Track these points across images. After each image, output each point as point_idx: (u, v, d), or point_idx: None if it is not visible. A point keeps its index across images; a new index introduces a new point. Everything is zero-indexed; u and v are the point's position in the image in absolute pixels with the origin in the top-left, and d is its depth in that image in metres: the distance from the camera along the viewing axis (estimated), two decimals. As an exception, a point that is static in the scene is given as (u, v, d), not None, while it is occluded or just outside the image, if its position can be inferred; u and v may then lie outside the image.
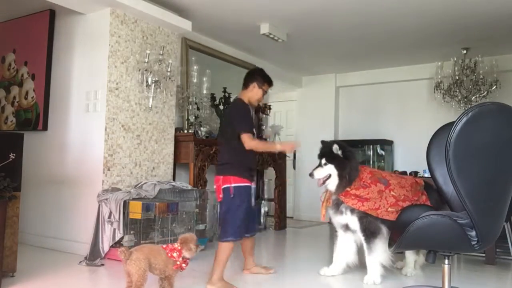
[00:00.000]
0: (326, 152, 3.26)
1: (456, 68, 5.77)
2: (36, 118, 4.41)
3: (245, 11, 4.63)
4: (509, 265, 4.02)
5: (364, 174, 3.23)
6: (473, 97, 5.68)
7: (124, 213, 3.57)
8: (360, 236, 3.22)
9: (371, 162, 6.86)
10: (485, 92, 5.65)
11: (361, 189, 3.16)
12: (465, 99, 5.72)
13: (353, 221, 3.22)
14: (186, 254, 2.57)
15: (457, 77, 5.75)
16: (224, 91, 5.29)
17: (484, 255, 4.02)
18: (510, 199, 2.27)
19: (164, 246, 2.59)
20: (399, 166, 6.65)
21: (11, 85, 4.72)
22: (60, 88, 4.32)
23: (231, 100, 4.88)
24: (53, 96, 4.36)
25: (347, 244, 3.39)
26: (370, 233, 3.16)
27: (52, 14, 4.42)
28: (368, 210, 3.13)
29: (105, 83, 3.93)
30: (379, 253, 3.15)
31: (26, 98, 4.55)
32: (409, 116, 6.80)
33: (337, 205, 3.30)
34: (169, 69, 4.37)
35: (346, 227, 3.32)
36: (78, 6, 4.00)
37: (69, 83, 4.24)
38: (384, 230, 3.17)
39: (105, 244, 3.63)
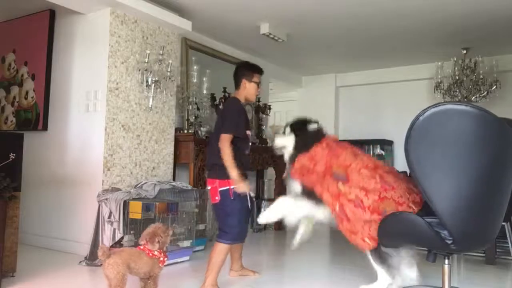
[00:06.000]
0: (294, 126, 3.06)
1: (456, 68, 5.78)
2: (36, 118, 4.41)
3: (245, 11, 4.63)
4: (509, 265, 4.02)
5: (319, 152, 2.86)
6: (473, 97, 5.69)
7: (124, 213, 3.57)
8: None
9: (371, 162, 6.86)
10: (485, 92, 5.66)
11: (305, 169, 2.85)
12: (465, 99, 5.72)
13: (297, 188, 2.94)
14: (153, 247, 2.46)
15: (457, 77, 5.76)
16: (224, 91, 5.28)
17: (484, 255, 4.02)
18: (492, 199, 2.20)
19: (141, 247, 2.50)
20: (399, 166, 6.64)
21: (11, 85, 4.72)
22: (60, 88, 4.32)
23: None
24: (53, 96, 4.36)
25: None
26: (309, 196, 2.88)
27: (52, 14, 4.42)
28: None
29: (105, 83, 3.93)
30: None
31: (26, 98, 4.55)
32: (409, 116, 6.68)
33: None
34: (169, 69, 4.37)
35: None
36: (78, 6, 4.00)
37: (69, 83, 4.24)
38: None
39: (105, 244, 3.63)
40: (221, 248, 2.87)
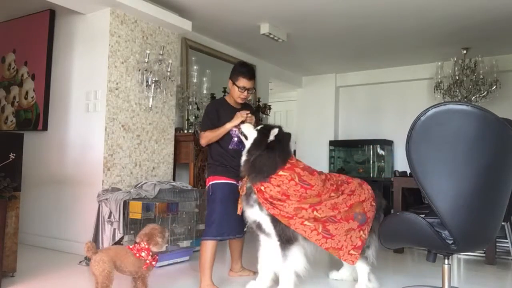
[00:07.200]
0: (266, 130, 2.81)
1: (456, 68, 5.78)
2: (36, 118, 4.41)
3: (245, 11, 4.63)
4: (509, 265, 4.02)
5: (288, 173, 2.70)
6: (473, 97, 5.69)
7: (124, 213, 3.57)
8: (275, 241, 2.75)
9: (371, 162, 6.87)
10: (485, 92, 5.66)
11: (276, 187, 2.66)
12: (465, 99, 5.72)
13: (265, 221, 2.74)
14: (154, 249, 2.49)
15: (457, 77, 5.76)
16: (224, 91, 5.28)
17: (484, 255, 4.02)
18: (493, 199, 2.20)
19: (131, 246, 2.50)
20: (399, 166, 6.65)
21: (11, 85, 4.72)
22: (60, 88, 4.32)
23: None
24: (53, 96, 4.36)
25: (271, 250, 2.81)
26: (285, 240, 2.71)
27: (52, 14, 4.42)
28: (278, 216, 2.67)
29: (105, 83, 3.93)
30: (295, 260, 2.73)
31: (26, 98, 4.55)
32: (409, 116, 6.70)
33: (248, 195, 2.77)
34: (169, 69, 4.37)
35: (258, 227, 2.80)
36: (78, 6, 4.00)
37: (69, 83, 4.24)
38: (300, 236, 2.76)
39: (105, 244, 3.63)
40: (206, 246, 2.87)
